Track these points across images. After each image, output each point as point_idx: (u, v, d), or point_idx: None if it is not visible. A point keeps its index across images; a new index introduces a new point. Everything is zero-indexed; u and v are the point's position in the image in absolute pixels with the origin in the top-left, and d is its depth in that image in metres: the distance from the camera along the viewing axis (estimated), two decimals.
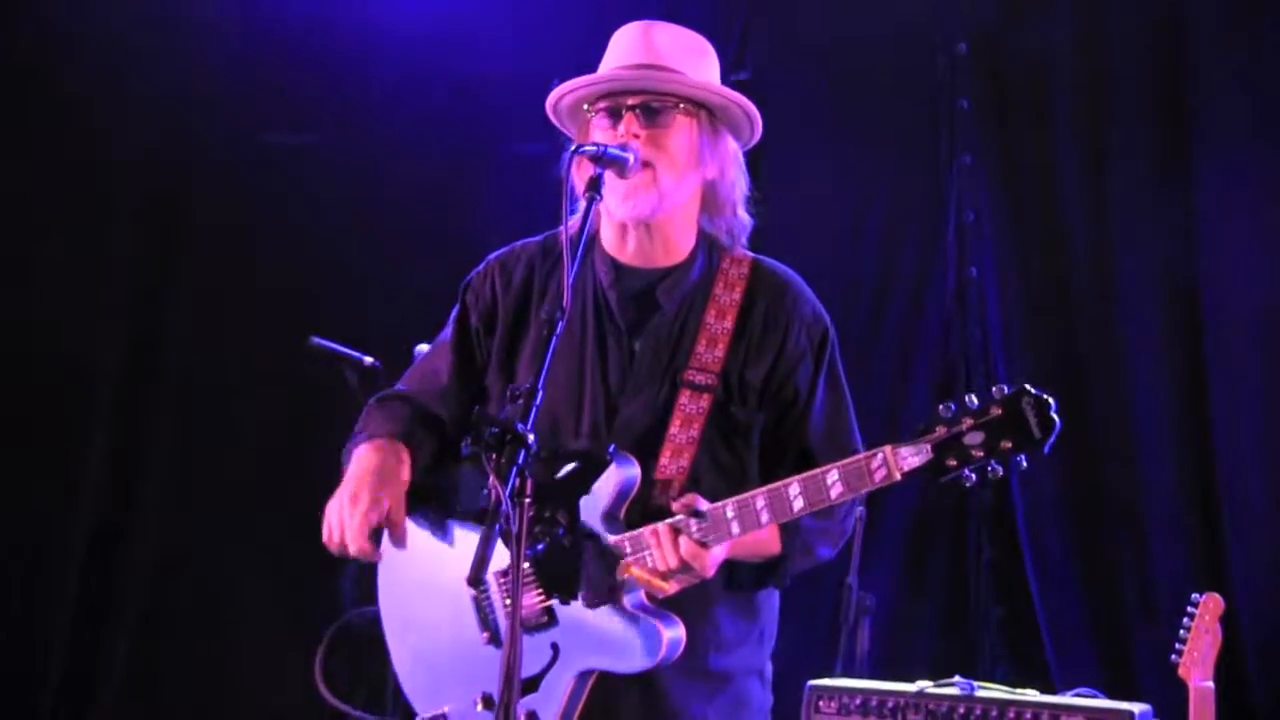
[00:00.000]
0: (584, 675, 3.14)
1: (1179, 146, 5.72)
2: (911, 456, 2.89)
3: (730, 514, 3.01)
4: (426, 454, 3.35)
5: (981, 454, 2.84)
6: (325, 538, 3.23)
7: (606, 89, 3.24)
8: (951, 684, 4.36)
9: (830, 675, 4.72)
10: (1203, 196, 5.66)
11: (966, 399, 2.87)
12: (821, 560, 3.31)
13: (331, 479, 3.51)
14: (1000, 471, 2.85)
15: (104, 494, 6.41)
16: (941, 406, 2.88)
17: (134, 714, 6.37)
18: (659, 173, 3.19)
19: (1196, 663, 4.15)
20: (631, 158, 3.13)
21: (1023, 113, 5.97)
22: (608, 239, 3.30)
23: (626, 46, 3.30)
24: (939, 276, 5.96)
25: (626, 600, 3.11)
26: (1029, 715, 4.24)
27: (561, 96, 3.29)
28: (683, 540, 3.02)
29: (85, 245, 6.48)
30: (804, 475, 2.99)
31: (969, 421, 2.85)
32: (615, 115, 3.22)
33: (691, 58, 3.29)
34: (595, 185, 3.09)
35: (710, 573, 3.07)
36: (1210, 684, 4.14)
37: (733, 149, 3.32)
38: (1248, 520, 5.51)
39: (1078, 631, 5.72)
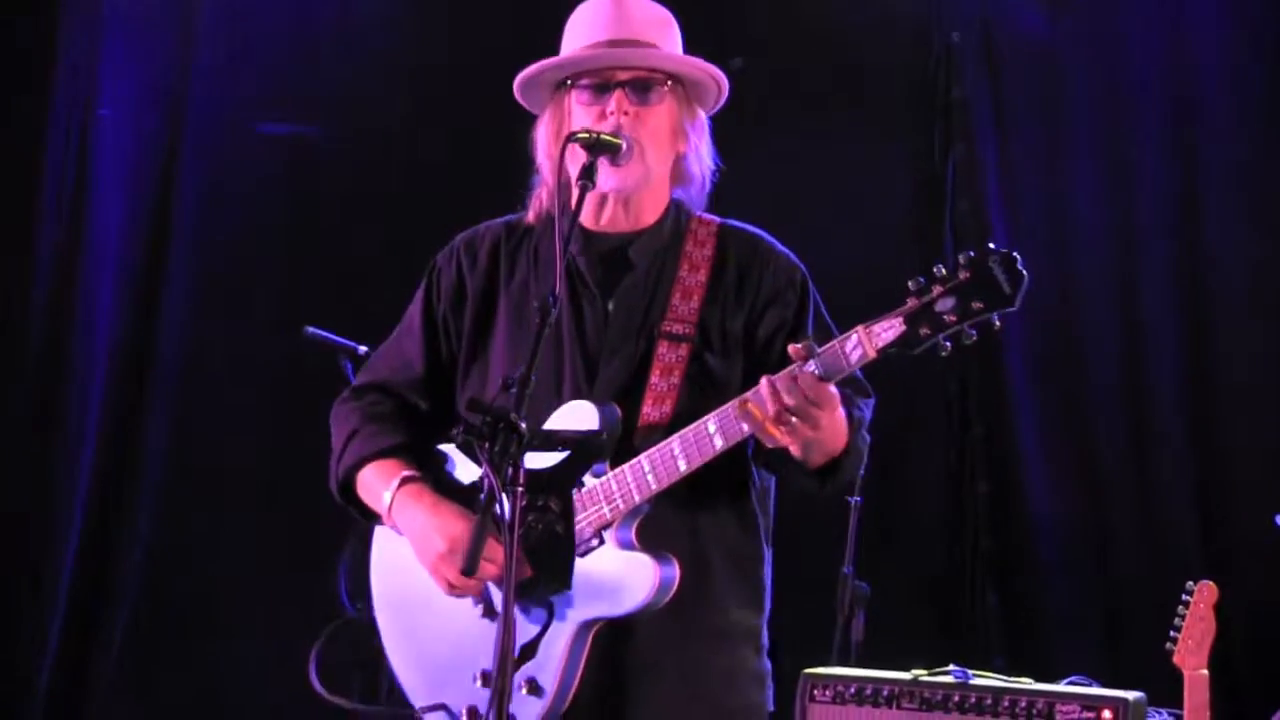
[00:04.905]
0: (583, 629, 3.07)
1: (1179, 133, 5.71)
2: (885, 332, 2.84)
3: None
4: (417, 453, 3.33)
5: (954, 319, 2.80)
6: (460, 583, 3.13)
7: (593, 65, 3.22)
8: (946, 672, 4.36)
9: (825, 664, 4.71)
10: (1205, 182, 5.66)
11: (935, 269, 2.83)
12: (859, 477, 3.23)
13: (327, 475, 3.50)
14: (974, 336, 2.79)
15: (97, 491, 6.38)
16: (911, 282, 2.83)
17: (128, 711, 6.36)
18: (647, 150, 3.19)
19: (1191, 651, 4.16)
20: (624, 144, 3.13)
21: (1017, 101, 5.97)
22: (582, 209, 3.25)
23: (602, 21, 3.27)
24: (934, 265, 5.94)
25: (614, 538, 3.06)
26: (1023, 703, 4.23)
27: (542, 72, 3.26)
28: (803, 378, 2.86)
29: (78, 239, 6.45)
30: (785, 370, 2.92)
31: (938, 289, 2.81)
32: (600, 91, 3.21)
33: (662, 30, 3.29)
34: (589, 173, 3.09)
35: (827, 414, 2.90)
36: (1205, 672, 4.15)
37: (702, 120, 3.32)
38: (1242, 509, 5.52)
39: (1072, 619, 5.73)
